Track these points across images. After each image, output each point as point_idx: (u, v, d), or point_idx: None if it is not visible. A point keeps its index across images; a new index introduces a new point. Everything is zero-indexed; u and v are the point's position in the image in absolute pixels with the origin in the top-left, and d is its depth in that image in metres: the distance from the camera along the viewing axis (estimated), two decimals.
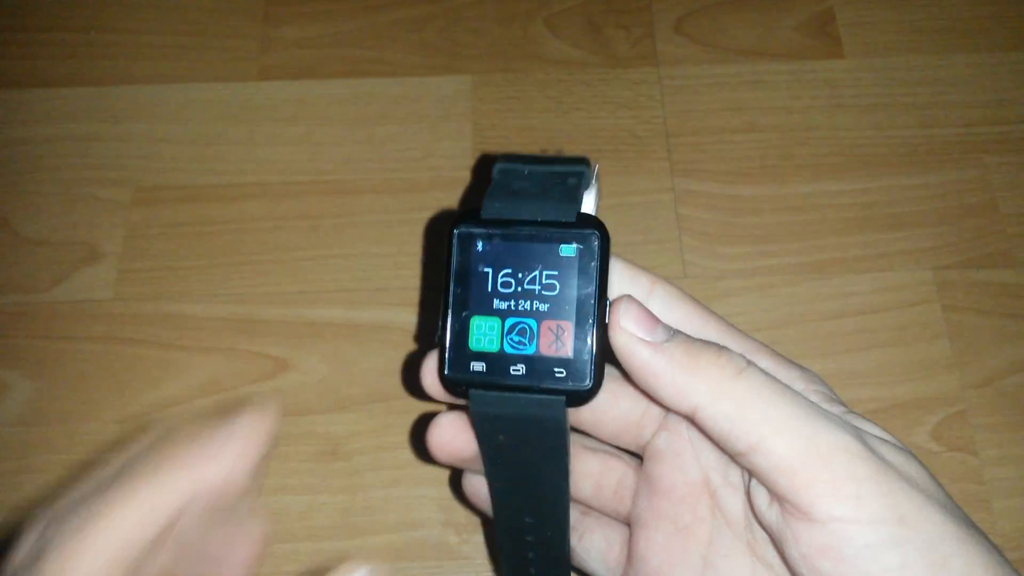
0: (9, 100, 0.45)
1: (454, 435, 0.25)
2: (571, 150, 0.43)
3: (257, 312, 0.40)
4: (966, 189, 0.42)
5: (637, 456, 0.27)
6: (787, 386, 0.22)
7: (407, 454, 0.37)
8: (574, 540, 0.28)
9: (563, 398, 0.22)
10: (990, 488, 0.36)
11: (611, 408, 0.26)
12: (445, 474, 0.37)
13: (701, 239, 0.41)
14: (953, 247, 0.41)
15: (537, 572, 0.27)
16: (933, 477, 0.22)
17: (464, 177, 0.43)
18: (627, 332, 0.22)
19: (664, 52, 0.46)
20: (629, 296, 0.23)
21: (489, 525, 0.36)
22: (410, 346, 0.39)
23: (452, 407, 0.26)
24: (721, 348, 0.23)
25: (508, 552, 0.27)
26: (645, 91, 0.45)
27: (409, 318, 0.40)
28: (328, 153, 0.44)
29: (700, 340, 0.23)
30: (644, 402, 0.26)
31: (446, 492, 0.37)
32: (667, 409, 0.24)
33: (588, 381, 0.22)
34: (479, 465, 0.26)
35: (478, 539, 0.36)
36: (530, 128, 0.44)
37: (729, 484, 0.25)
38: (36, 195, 0.43)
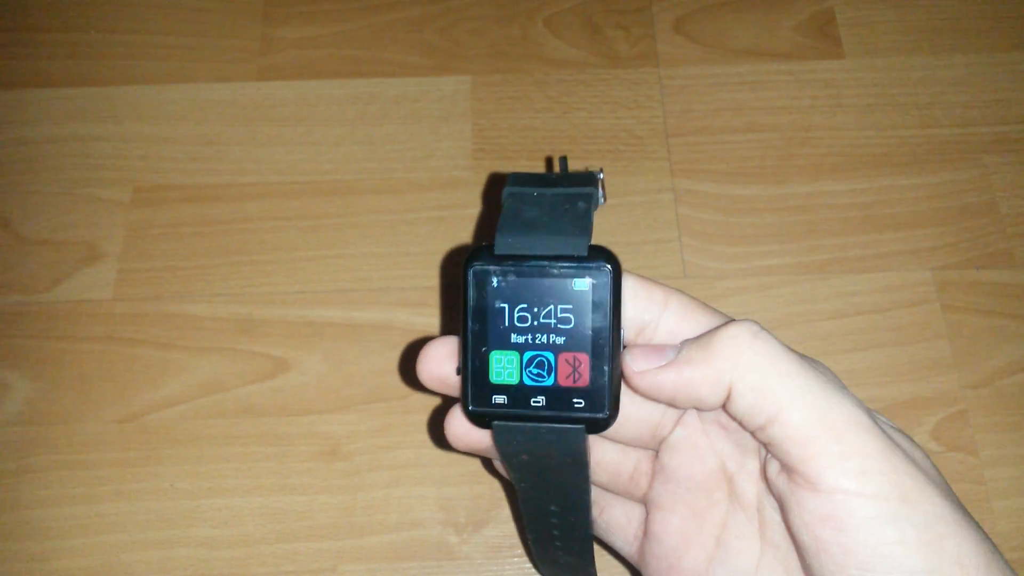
0: (9, 100, 0.45)
1: (471, 430, 0.26)
2: (571, 150, 0.43)
3: (257, 312, 0.40)
4: (966, 189, 0.42)
5: None
6: (803, 360, 0.23)
7: (407, 454, 0.37)
8: (596, 513, 0.29)
9: (583, 427, 0.23)
10: (990, 488, 0.36)
11: (632, 413, 0.26)
12: (445, 474, 0.37)
13: (701, 239, 0.41)
14: (953, 247, 0.41)
15: (563, 548, 0.28)
16: (933, 463, 0.23)
17: (464, 177, 0.43)
18: (644, 372, 0.24)
19: (664, 52, 0.46)
20: (626, 347, 0.24)
21: (491, 524, 0.36)
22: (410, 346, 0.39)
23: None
24: (727, 323, 0.24)
25: (533, 528, 0.28)
26: (645, 91, 0.45)
27: (409, 318, 0.40)
28: (328, 153, 0.44)
29: (706, 332, 0.24)
30: (663, 407, 0.26)
31: (446, 492, 0.37)
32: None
33: (606, 411, 0.23)
34: (495, 454, 0.27)
35: (478, 539, 0.36)
36: (530, 128, 0.44)
37: (745, 471, 0.26)
38: (36, 195, 0.43)
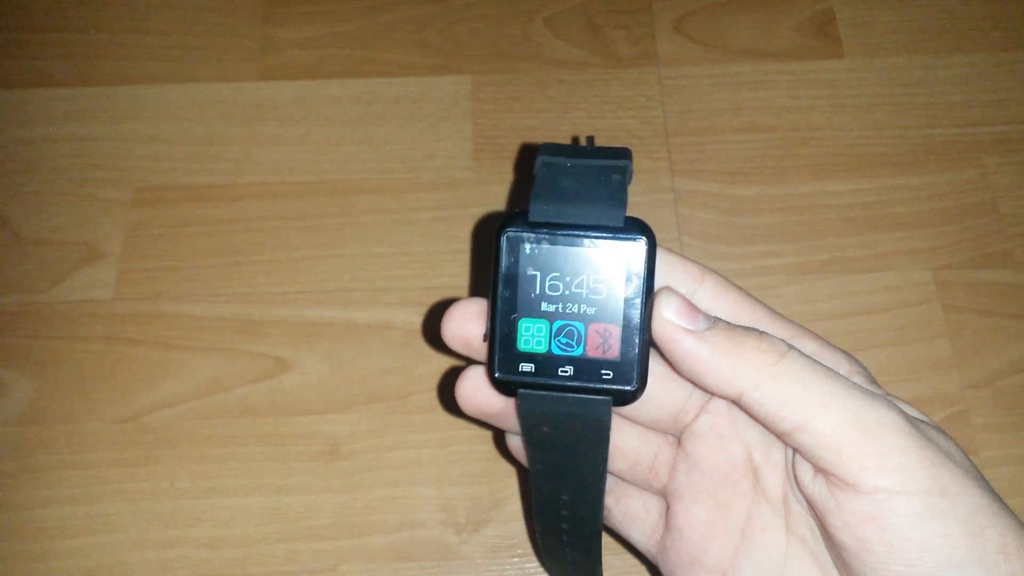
0: (9, 100, 0.45)
1: (480, 387, 0.26)
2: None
3: (257, 312, 0.40)
4: (966, 189, 0.42)
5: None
6: (829, 368, 0.23)
7: (407, 454, 0.37)
8: (612, 503, 0.29)
9: (610, 399, 0.23)
10: None
11: (657, 395, 0.26)
12: (445, 474, 0.37)
13: (701, 239, 0.41)
14: (953, 247, 0.41)
15: (569, 540, 0.28)
16: (966, 454, 0.24)
17: (464, 177, 0.43)
18: (669, 322, 0.23)
19: (664, 52, 0.46)
20: (669, 287, 0.24)
21: (491, 524, 0.36)
22: (410, 346, 0.39)
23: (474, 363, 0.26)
24: (762, 333, 0.23)
25: (541, 519, 0.28)
26: (645, 91, 0.45)
27: (409, 318, 0.40)
28: (328, 153, 0.44)
29: (741, 326, 0.24)
30: (688, 389, 0.26)
31: (446, 492, 0.37)
32: (712, 395, 0.25)
33: (634, 384, 0.23)
34: (505, 423, 0.27)
35: (478, 539, 0.36)
36: (530, 128, 0.44)
37: (771, 462, 0.25)
38: (36, 195, 0.43)
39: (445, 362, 0.39)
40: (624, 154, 0.24)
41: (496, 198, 0.42)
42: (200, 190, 0.43)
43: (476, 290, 0.40)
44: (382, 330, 0.40)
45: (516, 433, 0.28)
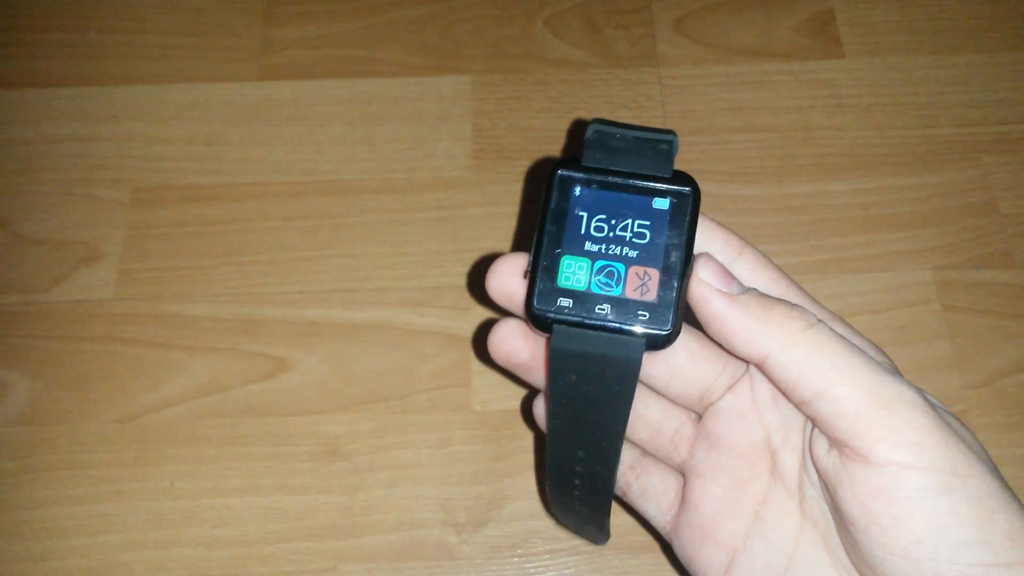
0: (9, 100, 0.45)
1: (512, 337, 0.26)
2: (571, 151, 0.43)
3: (257, 312, 0.40)
4: (966, 189, 0.42)
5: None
6: (854, 344, 0.23)
7: (407, 454, 0.37)
8: (631, 479, 0.29)
9: (643, 340, 0.23)
10: None
11: (687, 371, 0.27)
12: (445, 474, 0.37)
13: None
14: (953, 247, 0.41)
15: (580, 497, 0.28)
16: (981, 444, 0.24)
17: (464, 177, 0.43)
18: (705, 283, 0.24)
19: (664, 52, 0.46)
20: (707, 254, 0.25)
21: (491, 524, 0.36)
22: (410, 346, 0.39)
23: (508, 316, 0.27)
24: (793, 304, 0.24)
25: (554, 478, 0.28)
26: (645, 91, 0.45)
27: (409, 318, 0.40)
28: (328, 153, 0.44)
29: (773, 297, 0.24)
30: (720, 367, 0.27)
31: (446, 492, 0.37)
32: (738, 357, 0.25)
33: (669, 326, 0.23)
34: (531, 375, 0.27)
35: (478, 539, 0.36)
36: (530, 128, 0.44)
37: (789, 445, 0.26)
38: (36, 195, 0.43)
39: (445, 361, 0.39)
40: (669, 132, 0.26)
41: (496, 198, 0.42)
42: (200, 190, 0.43)
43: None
44: (382, 330, 0.40)
45: (541, 390, 0.28)
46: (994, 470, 0.23)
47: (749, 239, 0.41)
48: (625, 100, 0.45)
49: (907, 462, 0.22)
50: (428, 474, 0.37)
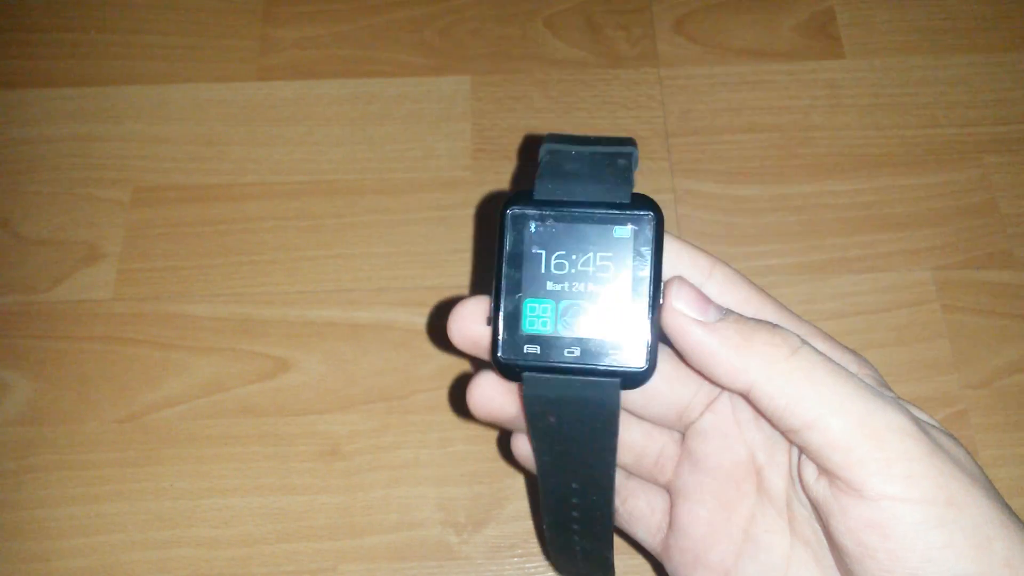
0: (9, 100, 0.45)
1: (493, 395, 0.25)
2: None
3: (257, 312, 0.40)
4: (966, 189, 0.42)
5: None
6: (841, 366, 0.23)
7: (407, 454, 0.37)
8: (618, 503, 0.29)
9: (618, 380, 0.22)
10: None
11: (663, 392, 0.26)
12: (445, 474, 0.37)
13: (701, 239, 0.41)
14: (953, 247, 0.41)
15: (580, 529, 0.27)
16: (976, 462, 0.23)
17: (464, 177, 0.43)
18: (680, 313, 0.23)
19: (664, 52, 0.46)
20: (680, 277, 0.23)
21: (491, 524, 0.36)
22: (410, 346, 0.39)
23: (483, 364, 0.26)
24: (775, 327, 0.23)
25: (551, 511, 0.27)
26: (645, 91, 0.45)
27: (409, 318, 0.40)
28: (328, 153, 0.44)
29: (753, 319, 0.23)
30: (695, 387, 0.26)
31: (446, 492, 0.37)
32: (721, 387, 0.24)
33: (644, 363, 0.22)
34: (517, 425, 0.26)
35: (478, 539, 0.36)
36: (530, 128, 0.44)
37: (775, 463, 0.25)
38: (36, 195, 0.43)
39: (445, 361, 0.39)
40: (628, 142, 0.24)
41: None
42: (200, 190, 0.43)
43: (479, 289, 0.40)
44: (382, 330, 0.40)
45: (524, 432, 0.27)
46: (991, 491, 0.22)
47: (749, 239, 0.41)
48: (625, 100, 0.45)
49: (900, 495, 0.21)
50: (428, 474, 0.37)
